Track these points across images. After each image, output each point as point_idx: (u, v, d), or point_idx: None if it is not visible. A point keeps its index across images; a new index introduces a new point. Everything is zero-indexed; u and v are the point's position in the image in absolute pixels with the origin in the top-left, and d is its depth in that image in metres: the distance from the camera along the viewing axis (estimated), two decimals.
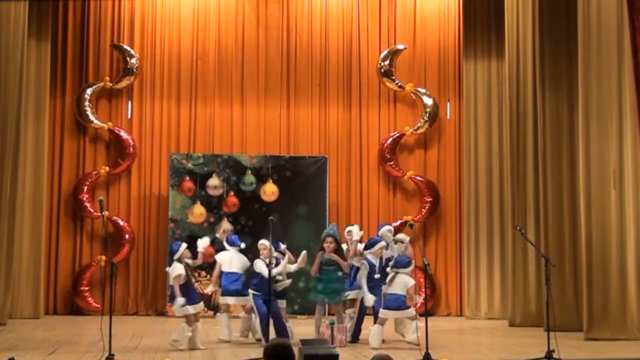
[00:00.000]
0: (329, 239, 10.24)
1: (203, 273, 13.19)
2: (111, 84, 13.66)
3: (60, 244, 13.44)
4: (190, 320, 9.58)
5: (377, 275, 10.08)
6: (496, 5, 13.21)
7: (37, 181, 12.89)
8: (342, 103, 14.22)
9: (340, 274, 10.26)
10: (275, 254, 9.97)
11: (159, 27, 14.02)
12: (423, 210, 13.91)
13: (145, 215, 13.69)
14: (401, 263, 9.91)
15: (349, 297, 10.44)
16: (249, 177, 13.46)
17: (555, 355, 8.64)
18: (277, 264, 9.84)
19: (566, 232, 11.64)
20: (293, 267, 10.15)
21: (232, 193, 13.41)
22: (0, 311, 11.56)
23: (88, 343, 9.87)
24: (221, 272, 10.37)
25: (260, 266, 9.80)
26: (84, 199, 13.31)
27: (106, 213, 12.81)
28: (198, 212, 13.30)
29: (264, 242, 9.96)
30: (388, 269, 9.99)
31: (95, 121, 13.56)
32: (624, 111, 10.61)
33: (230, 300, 10.42)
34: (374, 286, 10.07)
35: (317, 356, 6.60)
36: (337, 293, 10.24)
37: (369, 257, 10.20)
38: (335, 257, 10.19)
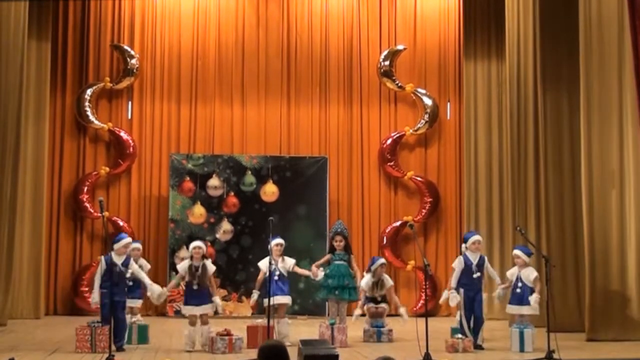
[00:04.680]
0: (338, 237, 10.28)
1: None
2: (111, 85, 13.66)
3: (60, 244, 13.44)
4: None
5: (476, 275, 9.84)
6: (496, 5, 13.20)
7: (37, 181, 12.89)
8: (342, 103, 14.21)
9: (350, 270, 10.26)
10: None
11: (159, 28, 14.02)
12: (423, 210, 13.90)
13: (146, 215, 13.69)
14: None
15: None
16: (249, 178, 13.45)
17: (555, 355, 8.64)
18: None
19: (567, 233, 11.63)
20: None
21: (232, 193, 13.40)
22: (0, 311, 11.56)
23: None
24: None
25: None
26: (84, 199, 13.31)
27: (106, 213, 12.79)
28: (198, 212, 13.29)
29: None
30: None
31: (95, 121, 13.55)
32: (625, 111, 10.61)
33: None
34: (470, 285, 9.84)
35: (317, 356, 6.59)
36: (350, 289, 10.21)
37: (467, 253, 9.97)
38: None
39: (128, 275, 9.54)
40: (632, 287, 10.54)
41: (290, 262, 10.14)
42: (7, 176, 11.59)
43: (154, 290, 9.67)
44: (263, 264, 10.03)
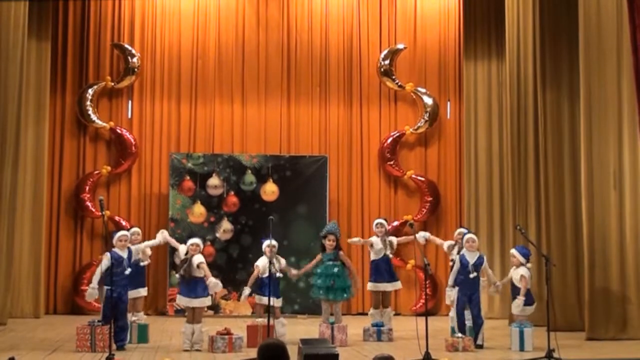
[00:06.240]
0: (331, 237, 10.26)
1: None
2: (112, 84, 13.67)
3: (60, 244, 13.44)
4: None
5: (473, 275, 9.81)
6: (496, 5, 13.19)
7: (37, 181, 12.90)
8: (342, 102, 14.22)
9: (343, 270, 10.30)
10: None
11: (160, 27, 14.02)
12: (424, 209, 13.90)
13: (146, 214, 13.69)
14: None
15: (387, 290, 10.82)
16: (249, 177, 13.46)
17: (555, 354, 8.65)
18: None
19: (568, 232, 11.63)
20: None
21: (232, 193, 13.40)
22: (0, 311, 11.57)
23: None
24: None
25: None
26: (85, 198, 13.32)
27: (107, 212, 12.82)
28: (198, 211, 13.29)
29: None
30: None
31: (97, 121, 13.56)
32: (625, 111, 10.62)
33: None
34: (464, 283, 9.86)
35: (317, 356, 6.59)
36: (343, 290, 10.26)
37: (464, 252, 9.95)
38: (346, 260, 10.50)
39: (135, 258, 9.73)
40: (632, 287, 10.56)
41: (283, 262, 10.21)
42: (7, 176, 11.60)
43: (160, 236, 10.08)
44: (261, 263, 10.03)
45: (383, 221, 11.10)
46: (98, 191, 13.48)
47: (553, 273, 10.07)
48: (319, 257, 10.34)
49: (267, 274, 9.81)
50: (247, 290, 10.12)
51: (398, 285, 11.09)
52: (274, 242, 9.96)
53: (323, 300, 10.30)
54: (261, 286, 9.93)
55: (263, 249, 10.05)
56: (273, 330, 9.15)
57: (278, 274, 9.88)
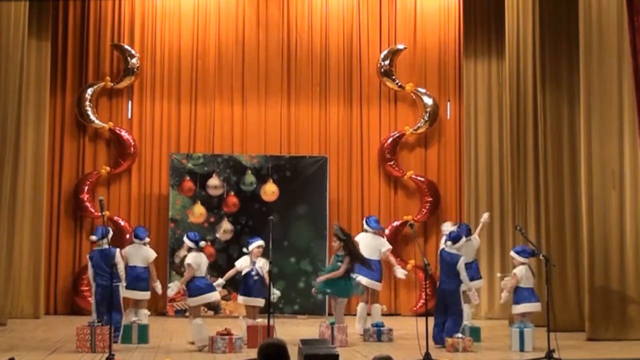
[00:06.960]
0: (334, 238, 10.55)
1: None
2: (112, 84, 13.67)
3: (60, 244, 13.44)
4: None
5: None
6: (496, 5, 13.19)
7: (37, 181, 12.90)
8: (342, 103, 14.21)
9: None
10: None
11: (159, 27, 14.02)
12: (424, 210, 13.90)
13: (146, 215, 13.69)
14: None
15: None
16: (249, 177, 13.45)
17: (555, 355, 8.65)
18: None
19: (567, 232, 11.63)
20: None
21: (233, 193, 13.40)
22: (0, 311, 11.56)
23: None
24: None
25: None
26: (85, 198, 13.31)
27: (107, 213, 12.81)
28: (198, 212, 13.29)
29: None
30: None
31: (96, 121, 13.56)
32: (625, 111, 10.62)
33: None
34: None
35: (317, 356, 6.59)
36: (348, 287, 10.37)
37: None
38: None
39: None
40: (632, 287, 10.56)
41: (265, 263, 10.13)
42: (7, 176, 11.60)
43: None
44: (239, 263, 10.21)
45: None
46: (98, 191, 13.48)
47: (553, 273, 10.07)
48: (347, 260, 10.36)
49: (250, 272, 10.02)
50: (220, 280, 10.28)
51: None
52: (262, 242, 10.14)
53: (332, 297, 10.34)
54: (244, 286, 10.10)
55: (249, 250, 10.14)
56: (273, 330, 9.16)
57: (255, 272, 9.95)
